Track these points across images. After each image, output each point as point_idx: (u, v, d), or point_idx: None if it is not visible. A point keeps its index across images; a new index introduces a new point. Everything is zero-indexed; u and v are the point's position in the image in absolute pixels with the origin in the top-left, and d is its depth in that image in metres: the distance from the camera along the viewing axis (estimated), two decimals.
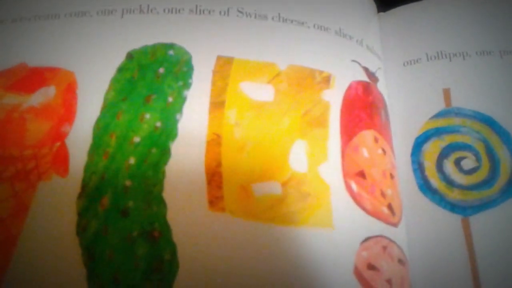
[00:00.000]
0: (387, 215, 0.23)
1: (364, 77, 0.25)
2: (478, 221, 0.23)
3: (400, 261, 0.22)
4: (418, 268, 0.24)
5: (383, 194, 0.23)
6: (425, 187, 0.25)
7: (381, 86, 0.26)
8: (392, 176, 0.24)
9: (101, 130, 0.21)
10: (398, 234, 0.23)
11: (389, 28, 0.29)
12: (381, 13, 0.30)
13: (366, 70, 0.25)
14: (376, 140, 0.24)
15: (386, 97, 0.27)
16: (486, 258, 0.22)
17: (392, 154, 0.25)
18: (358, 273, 0.20)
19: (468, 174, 0.24)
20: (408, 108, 0.27)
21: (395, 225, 0.23)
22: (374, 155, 0.23)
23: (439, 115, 0.26)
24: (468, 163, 0.24)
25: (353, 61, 0.25)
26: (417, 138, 0.26)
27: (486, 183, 0.24)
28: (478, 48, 0.27)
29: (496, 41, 0.27)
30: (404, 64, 0.28)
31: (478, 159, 0.24)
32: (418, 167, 0.25)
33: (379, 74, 0.26)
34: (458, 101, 0.26)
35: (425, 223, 0.24)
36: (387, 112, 0.26)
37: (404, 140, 0.26)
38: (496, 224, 0.23)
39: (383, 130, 0.25)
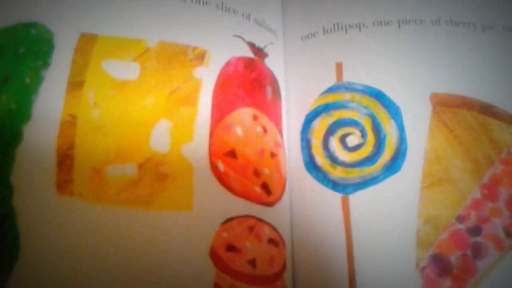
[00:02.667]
0: (259, 195, 0.22)
1: (248, 53, 0.24)
2: (358, 199, 0.22)
3: (271, 241, 0.21)
4: (300, 247, 0.23)
5: (256, 174, 0.22)
6: (310, 164, 0.24)
7: (271, 62, 0.25)
8: (273, 155, 0.23)
9: None
10: (273, 213, 0.22)
11: (292, 1, 0.28)
12: None
13: (251, 45, 0.24)
14: (255, 118, 0.23)
15: (282, 73, 0.26)
16: (362, 237, 0.21)
17: (276, 131, 0.24)
18: (214, 255, 0.20)
19: (352, 151, 0.23)
20: (303, 84, 0.26)
21: (269, 204, 0.22)
22: (251, 133, 0.22)
23: (329, 90, 0.25)
24: (353, 140, 0.23)
25: (236, 36, 0.24)
26: (308, 115, 0.25)
27: (368, 159, 0.23)
28: (376, 19, 0.25)
29: (395, 10, 0.25)
30: (302, 39, 0.27)
31: (363, 135, 0.23)
32: (306, 144, 0.24)
33: (270, 49, 0.25)
34: (350, 76, 0.25)
35: (308, 202, 0.23)
36: (278, 89, 0.25)
37: (296, 117, 0.25)
38: (376, 202, 0.22)
39: (267, 107, 0.24)
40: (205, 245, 0.20)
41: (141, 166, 0.20)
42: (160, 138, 0.21)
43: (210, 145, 0.21)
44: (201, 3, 0.24)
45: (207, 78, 0.22)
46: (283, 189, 0.23)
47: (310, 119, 0.25)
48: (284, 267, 0.22)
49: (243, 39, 0.24)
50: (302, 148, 0.24)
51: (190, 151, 0.21)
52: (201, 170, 0.21)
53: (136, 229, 0.19)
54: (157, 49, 0.22)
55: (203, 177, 0.20)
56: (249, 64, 0.24)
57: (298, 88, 0.26)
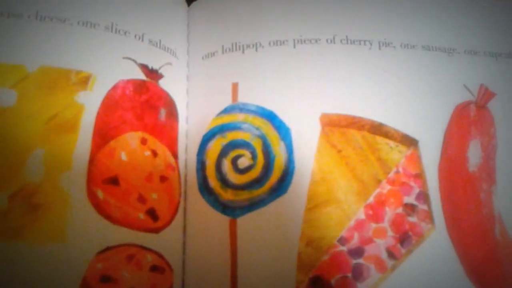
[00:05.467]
0: (144, 222, 0.21)
1: (140, 75, 0.24)
2: (245, 222, 0.22)
3: (155, 268, 0.21)
4: (190, 272, 0.23)
5: (142, 199, 0.22)
6: (203, 187, 0.24)
7: (169, 83, 0.25)
8: (164, 179, 0.23)
9: None
10: (159, 240, 0.22)
11: (197, 20, 0.28)
12: (194, 3, 0.29)
13: (144, 67, 0.24)
14: (143, 141, 0.23)
15: (183, 93, 0.26)
16: (246, 261, 0.21)
17: (169, 154, 0.24)
18: (85, 286, 0.19)
19: (242, 173, 0.23)
20: (202, 104, 0.26)
21: (155, 230, 0.22)
22: (138, 158, 0.22)
23: (225, 111, 0.25)
24: (243, 162, 0.23)
25: (126, 58, 0.24)
26: (204, 136, 0.25)
27: (257, 182, 0.23)
28: (272, 38, 0.25)
29: (291, 29, 0.25)
30: (203, 58, 0.26)
31: (253, 157, 0.23)
32: (201, 166, 0.24)
33: (167, 70, 0.25)
34: (245, 96, 0.25)
35: (200, 226, 0.23)
36: (174, 110, 0.25)
37: (195, 138, 0.25)
38: (262, 225, 0.22)
39: (159, 130, 0.23)
40: (77, 277, 0.19)
41: (12, 197, 0.19)
42: (35, 167, 0.20)
43: (89, 172, 0.21)
44: (88, 26, 0.23)
45: (90, 103, 0.22)
46: (174, 213, 0.23)
47: (206, 140, 0.24)
48: None
49: (135, 61, 0.24)
50: (197, 170, 0.24)
51: (67, 180, 0.20)
52: (77, 200, 0.20)
53: (4, 261, 0.19)
54: (38, 75, 0.22)
55: (80, 207, 0.20)
56: (139, 86, 0.23)
57: (198, 109, 0.26)
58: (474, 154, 0.24)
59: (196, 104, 0.26)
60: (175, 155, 0.24)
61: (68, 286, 0.19)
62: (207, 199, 0.23)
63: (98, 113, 0.22)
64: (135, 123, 0.23)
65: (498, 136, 0.25)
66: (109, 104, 0.22)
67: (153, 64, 0.24)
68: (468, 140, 0.25)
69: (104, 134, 0.22)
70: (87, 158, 0.21)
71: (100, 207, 0.21)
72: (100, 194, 0.21)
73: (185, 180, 0.24)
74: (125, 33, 0.24)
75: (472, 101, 0.25)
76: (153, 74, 0.24)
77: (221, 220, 0.22)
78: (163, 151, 0.23)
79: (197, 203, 0.23)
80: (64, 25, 0.23)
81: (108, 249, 0.20)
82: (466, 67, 0.26)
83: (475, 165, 0.24)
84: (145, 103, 0.23)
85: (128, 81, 0.23)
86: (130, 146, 0.22)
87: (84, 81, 0.22)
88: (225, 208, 0.23)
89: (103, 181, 0.21)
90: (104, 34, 0.23)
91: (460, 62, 0.26)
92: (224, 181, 0.23)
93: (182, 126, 0.25)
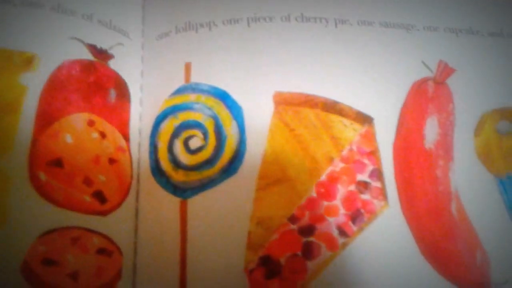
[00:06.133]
0: (90, 204, 0.21)
1: (88, 55, 0.23)
2: (195, 203, 0.22)
3: (102, 251, 0.21)
4: (142, 254, 0.22)
5: (88, 182, 0.21)
6: (156, 169, 0.23)
7: (120, 63, 0.24)
8: (113, 161, 0.22)
9: None
10: (107, 222, 0.21)
11: (152, 0, 0.27)
12: None
13: (92, 47, 0.23)
14: (91, 123, 0.22)
15: (137, 74, 0.25)
16: (196, 242, 0.21)
17: (120, 136, 0.23)
18: (27, 270, 0.19)
19: (194, 153, 0.23)
20: (156, 85, 0.25)
21: (103, 213, 0.21)
22: (84, 139, 0.22)
23: (177, 91, 0.24)
24: (195, 142, 0.23)
25: (73, 38, 0.23)
26: (157, 118, 0.24)
27: (208, 162, 0.22)
28: (225, 17, 0.25)
29: (244, 7, 0.25)
30: (156, 38, 0.26)
31: (205, 137, 0.23)
32: (154, 149, 0.24)
33: (119, 50, 0.24)
34: (199, 76, 0.24)
35: (152, 207, 0.23)
36: (126, 91, 0.24)
37: (148, 120, 0.25)
38: (213, 206, 0.22)
39: (109, 111, 0.23)
40: (16, 260, 0.19)
41: None
42: None
43: (32, 154, 0.20)
44: (33, 6, 0.23)
45: (33, 84, 0.21)
46: (125, 196, 0.22)
47: (158, 122, 0.24)
48: (118, 276, 0.21)
49: (82, 41, 0.23)
50: (150, 152, 0.24)
51: (8, 162, 0.20)
52: (18, 182, 0.20)
53: None
54: None
55: (21, 190, 0.20)
56: (87, 67, 0.23)
57: (152, 90, 0.25)
58: (431, 131, 0.24)
59: (149, 85, 0.25)
60: (126, 137, 0.23)
61: (8, 270, 0.18)
62: (158, 181, 0.23)
63: (42, 95, 0.21)
64: (82, 104, 0.22)
65: (456, 112, 0.25)
66: (54, 85, 0.22)
67: (102, 45, 0.24)
68: (425, 117, 0.24)
69: (47, 116, 0.21)
70: (29, 140, 0.20)
71: (42, 190, 0.20)
72: (43, 176, 0.20)
73: (138, 163, 0.24)
74: (72, 13, 0.23)
75: (430, 77, 0.25)
76: (102, 54, 0.24)
77: (172, 201, 0.22)
78: (113, 133, 0.23)
79: (149, 185, 0.23)
80: (8, 6, 0.22)
81: (50, 231, 0.20)
82: (425, 44, 0.26)
83: (431, 142, 0.24)
84: (93, 83, 0.23)
85: (74, 61, 0.23)
86: (75, 127, 0.22)
87: (28, 62, 0.22)
88: (176, 189, 0.22)
89: (46, 163, 0.20)
90: (49, 14, 0.23)
91: (419, 38, 0.26)
92: (175, 162, 0.23)
93: (136, 108, 0.25)
